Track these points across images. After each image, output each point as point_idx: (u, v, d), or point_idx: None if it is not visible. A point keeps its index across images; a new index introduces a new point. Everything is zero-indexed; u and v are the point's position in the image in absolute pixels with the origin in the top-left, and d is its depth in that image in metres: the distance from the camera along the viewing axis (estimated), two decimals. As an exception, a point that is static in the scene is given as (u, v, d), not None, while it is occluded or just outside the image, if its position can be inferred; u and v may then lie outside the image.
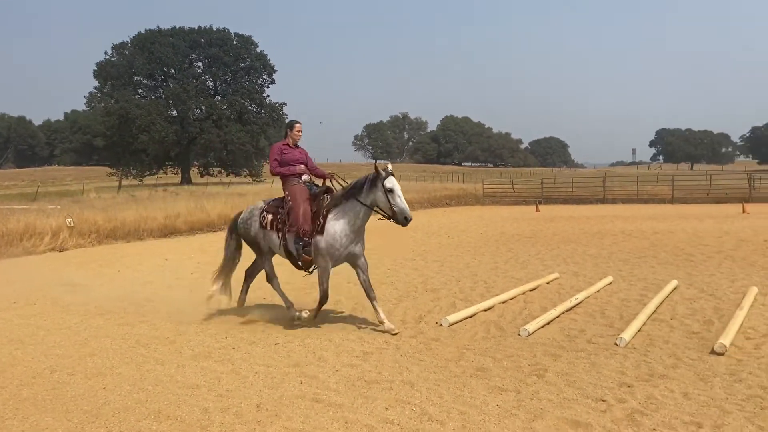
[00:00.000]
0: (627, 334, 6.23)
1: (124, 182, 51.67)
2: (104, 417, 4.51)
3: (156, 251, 14.59)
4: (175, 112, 60.85)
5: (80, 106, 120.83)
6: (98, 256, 14.10)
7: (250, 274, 7.91)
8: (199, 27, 64.38)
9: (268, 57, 65.53)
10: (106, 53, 61.84)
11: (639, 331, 6.54)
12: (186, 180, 60.76)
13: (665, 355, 5.74)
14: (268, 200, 7.56)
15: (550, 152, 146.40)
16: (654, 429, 4.12)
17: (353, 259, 6.92)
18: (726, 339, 5.87)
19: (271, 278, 7.52)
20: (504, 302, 8.13)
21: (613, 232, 16.98)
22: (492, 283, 9.66)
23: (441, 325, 6.94)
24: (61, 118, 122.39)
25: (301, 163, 7.20)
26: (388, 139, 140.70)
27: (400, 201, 6.51)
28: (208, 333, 6.82)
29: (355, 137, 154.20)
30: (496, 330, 6.86)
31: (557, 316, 7.24)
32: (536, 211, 27.94)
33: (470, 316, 7.26)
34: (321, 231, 6.72)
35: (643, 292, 8.67)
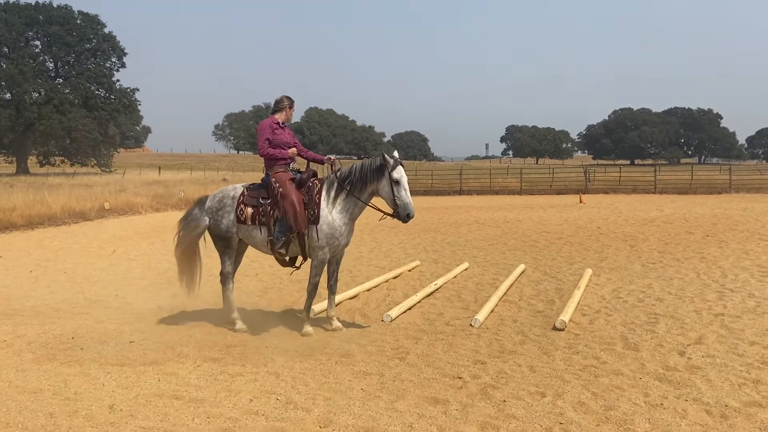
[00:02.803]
0: (481, 316, 6.67)
1: (-54, 172, 45.71)
2: (-75, 433, 4.00)
3: (-13, 248, 13.08)
4: (8, 95, 54.69)
5: None
6: None
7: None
8: (38, 3, 58.47)
9: (118, 39, 61.15)
10: (-77, 26, 54.22)
11: (491, 312, 7.04)
12: (23, 170, 55.01)
13: (514, 333, 6.22)
14: (237, 186, 6.58)
15: (412, 146, 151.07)
16: (504, 401, 4.45)
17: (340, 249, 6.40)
18: (565, 316, 6.50)
19: (227, 281, 6.58)
20: (368, 290, 8.34)
21: (469, 222, 17.98)
22: (357, 272, 9.85)
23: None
24: None
25: (291, 147, 6.42)
26: (251, 129, 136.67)
27: (405, 195, 6.05)
28: (52, 334, 6.26)
29: (216, 126, 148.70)
30: (360, 317, 7.02)
31: (418, 302, 7.56)
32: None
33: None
34: (316, 220, 6.11)
35: (495, 276, 9.31)
